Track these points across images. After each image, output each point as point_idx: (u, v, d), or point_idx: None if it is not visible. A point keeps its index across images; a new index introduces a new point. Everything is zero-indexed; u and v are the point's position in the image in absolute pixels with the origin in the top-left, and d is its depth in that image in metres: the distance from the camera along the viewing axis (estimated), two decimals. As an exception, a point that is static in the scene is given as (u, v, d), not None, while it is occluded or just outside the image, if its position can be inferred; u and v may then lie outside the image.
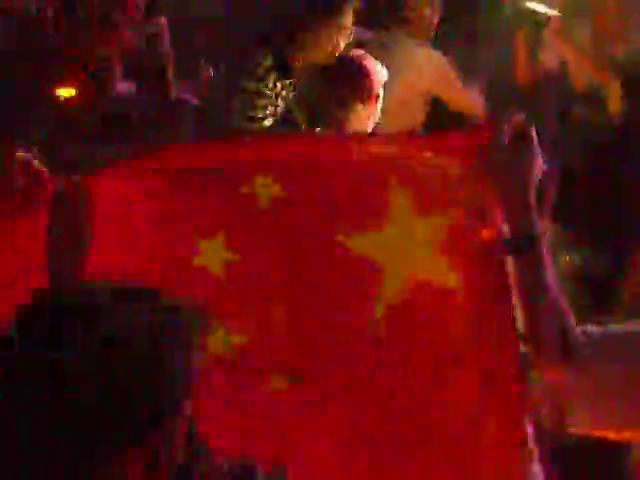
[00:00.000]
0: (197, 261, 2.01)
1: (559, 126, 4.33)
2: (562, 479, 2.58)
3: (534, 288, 1.95)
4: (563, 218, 4.02)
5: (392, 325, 2.02)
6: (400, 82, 4.32)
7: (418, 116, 4.55)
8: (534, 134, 1.98)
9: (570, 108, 4.52)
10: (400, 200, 2.03)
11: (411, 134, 2.28)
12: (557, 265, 3.99)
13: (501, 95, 4.66)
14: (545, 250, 1.96)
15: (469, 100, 4.50)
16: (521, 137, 1.97)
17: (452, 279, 2.03)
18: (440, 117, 4.53)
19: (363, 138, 2.66)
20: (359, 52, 3.61)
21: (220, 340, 1.96)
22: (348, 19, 3.81)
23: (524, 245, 1.95)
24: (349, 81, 3.48)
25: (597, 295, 3.81)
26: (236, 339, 1.99)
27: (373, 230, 2.02)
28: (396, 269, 2.03)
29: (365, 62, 3.52)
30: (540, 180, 2.03)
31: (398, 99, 4.34)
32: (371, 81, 3.47)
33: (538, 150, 1.98)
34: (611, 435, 2.02)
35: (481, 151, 2.01)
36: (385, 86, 3.82)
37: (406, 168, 2.08)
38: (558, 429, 2.13)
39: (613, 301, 3.67)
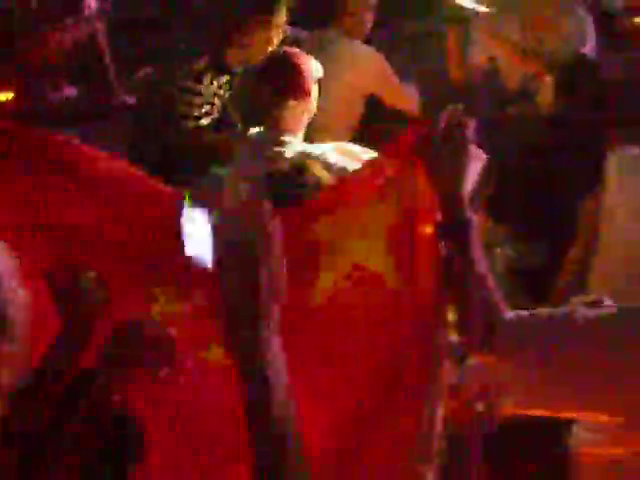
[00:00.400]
0: None
1: (493, 122, 4.38)
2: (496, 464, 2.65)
3: (465, 274, 2.00)
4: (497, 212, 4.08)
5: (328, 311, 2.06)
6: (338, 81, 4.35)
7: (357, 114, 4.59)
8: (469, 126, 2.03)
9: (503, 103, 4.58)
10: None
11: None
12: (492, 259, 4.09)
13: (436, 93, 4.72)
14: (476, 237, 2.01)
15: (406, 98, 4.54)
16: (456, 129, 2.02)
17: (388, 270, 2.07)
18: (379, 114, 4.58)
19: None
20: (291, 49, 3.60)
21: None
22: (282, 17, 3.84)
23: (456, 231, 2.00)
24: (281, 78, 3.44)
25: (532, 288, 3.88)
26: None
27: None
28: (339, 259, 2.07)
29: (297, 59, 3.49)
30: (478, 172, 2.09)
31: (337, 98, 4.37)
32: (304, 78, 3.43)
33: (472, 142, 2.03)
34: (542, 413, 2.07)
35: (418, 146, 2.06)
36: (323, 85, 3.84)
37: None
38: (491, 412, 2.18)
39: (547, 293, 3.73)
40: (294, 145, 3.37)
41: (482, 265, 2.00)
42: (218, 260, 1.42)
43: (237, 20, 3.89)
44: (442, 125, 2.02)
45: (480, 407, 2.46)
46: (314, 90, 3.50)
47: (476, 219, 2.02)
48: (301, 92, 3.43)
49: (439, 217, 2.03)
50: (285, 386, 1.42)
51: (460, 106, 2.06)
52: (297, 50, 3.57)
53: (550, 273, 3.82)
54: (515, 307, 2.07)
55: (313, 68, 3.51)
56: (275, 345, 1.41)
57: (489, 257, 4.08)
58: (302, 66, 3.45)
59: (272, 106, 3.45)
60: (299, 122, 3.50)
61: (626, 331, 1.92)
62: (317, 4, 4.70)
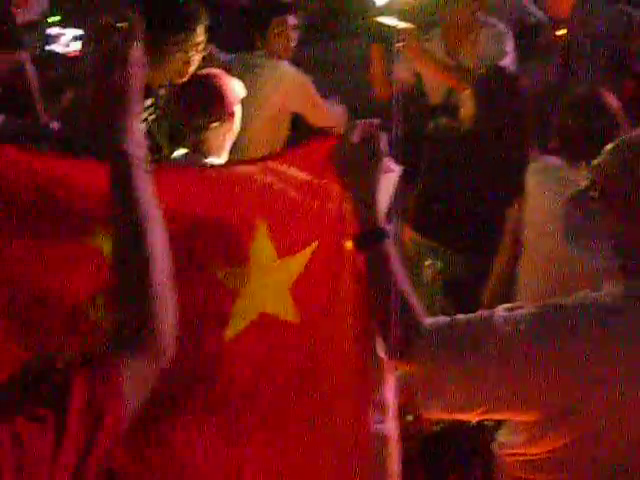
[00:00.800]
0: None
1: (417, 136, 4.42)
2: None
3: (381, 283, 2.01)
4: (424, 224, 4.13)
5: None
6: (264, 101, 4.39)
7: (283, 133, 4.62)
8: (381, 136, 2.05)
9: (427, 119, 4.64)
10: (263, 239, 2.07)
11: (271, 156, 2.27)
12: (420, 270, 4.13)
13: (361, 111, 4.76)
14: (392, 246, 2.03)
15: (331, 116, 4.58)
16: (367, 139, 2.04)
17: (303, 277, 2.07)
18: (304, 133, 4.61)
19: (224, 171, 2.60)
20: (213, 70, 3.59)
21: None
22: (200, 37, 3.84)
23: (370, 240, 2.02)
24: (203, 101, 3.43)
25: (460, 298, 3.92)
26: None
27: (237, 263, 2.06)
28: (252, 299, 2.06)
29: (219, 80, 3.47)
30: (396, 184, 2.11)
31: (262, 118, 4.40)
32: (226, 99, 3.42)
33: (384, 151, 2.05)
34: (466, 419, 2.10)
35: (329, 156, 2.07)
36: (249, 105, 3.85)
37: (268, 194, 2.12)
38: (419, 421, 2.20)
39: (475, 304, 3.77)
40: (218, 167, 3.37)
41: (400, 275, 2.01)
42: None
43: (155, 42, 3.88)
44: (354, 137, 2.04)
45: (409, 417, 2.49)
46: (237, 111, 3.50)
47: (392, 230, 2.04)
48: (224, 114, 3.42)
49: (353, 228, 2.05)
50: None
51: (375, 120, 2.08)
52: (219, 71, 3.57)
53: (477, 283, 3.87)
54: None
55: (236, 89, 3.51)
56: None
57: (417, 269, 4.18)
58: (224, 87, 3.44)
59: (195, 129, 3.44)
60: (222, 144, 3.49)
61: (543, 330, 1.94)
62: (242, 25, 4.74)
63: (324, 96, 4.67)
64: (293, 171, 2.10)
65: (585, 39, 6.24)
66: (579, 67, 6.21)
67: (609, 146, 2.08)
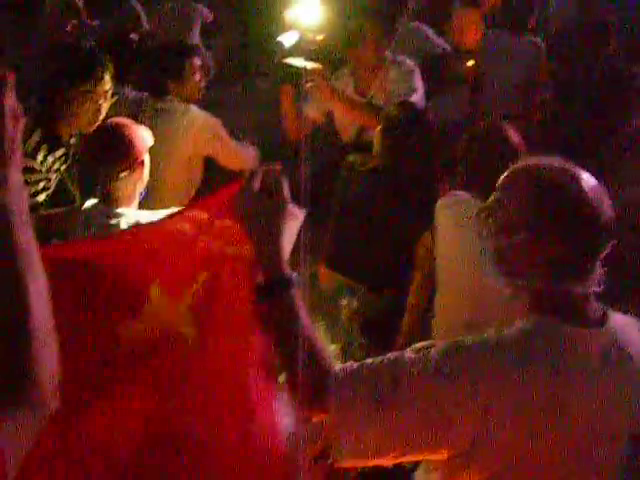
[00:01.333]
0: None
1: (329, 174, 4.46)
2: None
3: (286, 332, 2.00)
4: (338, 262, 4.15)
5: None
6: (175, 146, 4.39)
7: (196, 176, 4.61)
8: (282, 182, 2.05)
9: (341, 157, 4.67)
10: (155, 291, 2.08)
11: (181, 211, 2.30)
12: (337, 310, 4.15)
13: (272, 151, 4.79)
14: (297, 294, 2.02)
15: (242, 157, 4.60)
16: (269, 187, 2.04)
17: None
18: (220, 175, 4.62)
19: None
20: (121, 119, 3.57)
21: None
22: (108, 84, 3.83)
23: (274, 289, 2.01)
24: (112, 150, 3.37)
25: (378, 335, 3.94)
26: None
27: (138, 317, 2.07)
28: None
29: (127, 129, 3.42)
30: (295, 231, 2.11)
31: (175, 162, 4.40)
32: (134, 148, 3.38)
33: (286, 198, 2.05)
34: (382, 463, 2.10)
35: (234, 201, 2.07)
36: (160, 151, 3.83)
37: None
38: (336, 468, 2.20)
39: (392, 341, 3.79)
40: (128, 216, 3.34)
41: (306, 324, 2.01)
42: None
43: (64, 91, 3.86)
44: (255, 185, 2.03)
45: (327, 464, 2.49)
46: (146, 160, 3.49)
47: (296, 277, 2.03)
48: (133, 163, 3.40)
49: (258, 278, 2.04)
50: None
51: (277, 165, 2.08)
52: (127, 120, 3.54)
53: (394, 320, 3.88)
54: (363, 356, 2.09)
55: (144, 137, 3.49)
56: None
57: (334, 308, 4.19)
58: (132, 136, 3.41)
59: (104, 178, 3.41)
60: (132, 193, 3.46)
61: (448, 370, 1.97)
62: (151, 70, 4.73)
63: (236, 137, 4.68)
64: (202, 220, 2.12)
65: (494, 70, 6.37)
66: (488, 99, 6.34)
67: (504, 174, 2.15)
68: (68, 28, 7.90)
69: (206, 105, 4.78)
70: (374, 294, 4.00)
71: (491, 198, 2.16)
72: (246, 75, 7.60)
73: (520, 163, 2.16)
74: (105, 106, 3.84)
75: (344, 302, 4.09)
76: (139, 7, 7.89)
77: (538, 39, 6.50)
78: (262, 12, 7.43)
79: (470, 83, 6.63)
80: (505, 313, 2.20)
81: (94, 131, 3.68)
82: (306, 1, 4.42)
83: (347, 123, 4.85)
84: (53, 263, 1.95)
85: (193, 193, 4.63)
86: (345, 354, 4.04)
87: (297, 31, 4.45)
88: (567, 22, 8.33)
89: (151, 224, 2.37)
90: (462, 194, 3.54)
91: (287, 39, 4.41)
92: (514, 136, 3.52)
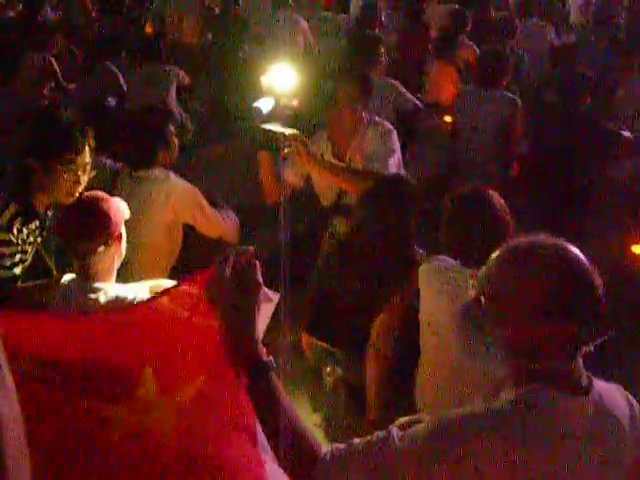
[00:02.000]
0: None
1: (311, 241, 4.45)
2: None
3: (269, 418, 1.99)
4: (321, 329, 4.12)
5: None
6: (153, 218, 4.34)
7: (175, 246, 4.58)
8: (255, 267, 2.03)
9: (320, 222, 4.66)
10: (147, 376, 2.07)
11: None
12: (321, 378, 4.12)
13: (252, 214, 4.78)
14: (274, 378, 2.00)
15: (221, 224, 4.58)
16: (240, 272, 2.02)
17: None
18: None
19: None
20: (98, 193, 3.53)
21: None
22: (86, 157, 3.80)
23: (252, 375, 1.99)
24: (89, 225, 3.34)
25: (363, 401, 3.91)
26: None
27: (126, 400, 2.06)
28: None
29: (104, 204, 3.40)
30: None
31: (153, 234, 4.36)
32: (111, 223, 3.35)
33: (258, 284, 2.03)
34: None
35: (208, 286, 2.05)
36: (139, 222, 3.80)
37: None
38: None
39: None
40: (107, 291, 3.30)
41: (287, 409, 1.99)
42: None
43: (41, 162, 3.83)
44: (226, 271, 2.01)
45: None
46: (123, 232, 3.46)
47: (270, 361, 2.00)
48: (110, 237, 3.37)
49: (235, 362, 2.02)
50: None
51: (249, 248, 2.06)
52: (103, 194, 3.51)
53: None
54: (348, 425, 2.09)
55: (121, 210, 3.46)
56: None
57: (318, 376, 4.16)
58: (109, 211, 3.38)
59: (82, 253, 3.37)
60: (110, 266, 3.43)
61: (435, 446, 1.95)
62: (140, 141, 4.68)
63: (215, 201, 4.65)
64: (178, 306, 2.11)
65: (470, 126, 6.42)
66: (464, 154, 6.38)
67: (494, 255, 2.14)
68: (45, 91, 7.94)
69: (185, 167, 4.77)
70: (356, 360, 3.97)
71: (486, 278, 2.13)
72: (225, 136, 7.61)
73: (518, 244, 2.15)
74: (84, 179, 3.80)
75: (328, 370, 4.06)
76: (116, 70, 7.92)
77: (514, 95, 6.55)
78: (237, 77, 7.49)
79: (446, 138, 6.69)
80: (491, 381, 2.21)
81: (71, 205, 3.63)
82: (280, 67, 4.45)
83: (326, 187, 4.84)
84: (33, 356, 1.95)
85: (174, 262, 4.59)
86: (329, 423, 4.00)
87: (273, 96, 4.46)
88: (542, 78, 8.48)
89: (140, 304, 2.34)
90: (446, 260, 3.52)
91: (263, 104, 4.41)
92: (498, 201, 3.51)
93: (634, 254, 5.05)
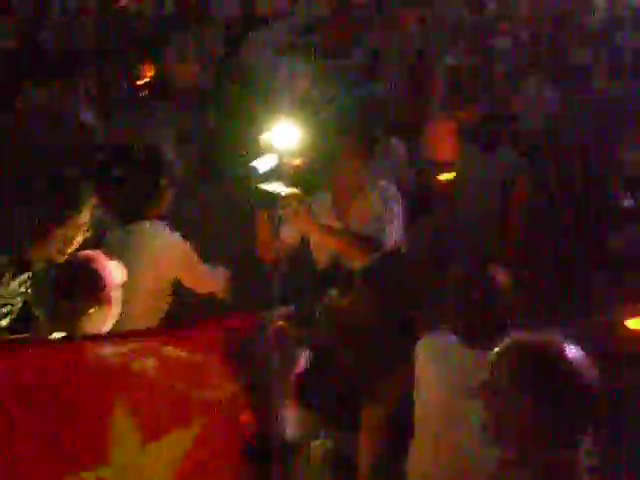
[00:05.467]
0: None
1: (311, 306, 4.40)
2: None
3: None
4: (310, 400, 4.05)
5: None
6: (142, 275, 4.25)
7: (164, 301, 4.50)
8: (290, 333, 1.97)
9: (320, 283, 4.60)
10: (124, 426, 2.03)
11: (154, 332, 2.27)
12: (313, 452, 4.04)
13: (246, 275, 4.71)
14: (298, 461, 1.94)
15: (211, 280, 4.53)
16: (280, 336, 1.96)
17: None
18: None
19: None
20: (92, 253, 3.47)
21: None
22: (85, 218, 3.75)
23: (271, 455, 1.92)
24: (80, 287, 3.29)
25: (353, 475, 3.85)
26: None
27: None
28: None
29: (97, 264, 3.35)
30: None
31: (142, 292, 4.27)
32: (104, 285, 3.30)
33: (295, 352, 1.98)
34: None
35: (233, 343, 2.00)
36: (127, 281, 3.73)
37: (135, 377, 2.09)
38: None
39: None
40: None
41: None
42: None
43: (39, 218, 3.78)
44: (272, 327, 1.94)
45: None
46: (116, 295, 3.38)
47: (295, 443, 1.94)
48: (101, 299, 3.31)
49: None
50: None
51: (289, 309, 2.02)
52: (97, 255, 3.44)
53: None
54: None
55: (114, 273, 3.39)
56: None
57: (306, 448, 4.07)
58: (101, 273, 3.32)
59: (72, 314, 3.30)
60: (100, 327, 3.36)
61: None
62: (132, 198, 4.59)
63: (207, 254, 4.58)
64: (174, 354, 2.08)
65: (468, 188, 6.41)
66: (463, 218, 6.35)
67: (504, 343, 2.10)
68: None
69: (177, 216, 4.70)
70: (347, 434, 3.91)
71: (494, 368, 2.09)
72: (219, 183, 7.54)
73: (525, 344, 2.13)
74: (78, 239, 3.74)
75: (318, 443, 3.98)
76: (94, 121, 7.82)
77: (518, 157, 6.55)
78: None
79: (446, 198, 6.65)
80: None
81: (63, 264, 3.59)
82: (282, 125, 4.38)
83: (322, 249, 4.75)
84: None
85: (163, 315, 4.51)
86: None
87: (273, 155, 4.38)
88: (540, 136, 8.47)
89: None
90: (450, 338, 3.47)
91: (261, 164, 4.33)
92: (500, 279, 3.45)
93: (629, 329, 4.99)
